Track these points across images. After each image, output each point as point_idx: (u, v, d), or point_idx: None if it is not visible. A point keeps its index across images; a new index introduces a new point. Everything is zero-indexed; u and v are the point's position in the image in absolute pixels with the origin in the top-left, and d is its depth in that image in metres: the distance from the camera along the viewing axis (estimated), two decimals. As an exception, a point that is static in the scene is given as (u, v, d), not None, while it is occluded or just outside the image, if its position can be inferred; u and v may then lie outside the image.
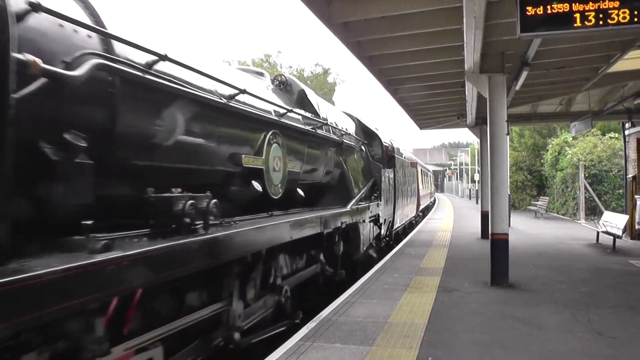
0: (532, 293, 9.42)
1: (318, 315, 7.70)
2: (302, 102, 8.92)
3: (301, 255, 8.25)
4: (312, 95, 9.47)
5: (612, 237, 15.31)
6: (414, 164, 24.53)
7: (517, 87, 12.01)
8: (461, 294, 9.22)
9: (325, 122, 9.45)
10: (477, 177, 43.68)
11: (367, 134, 14.03)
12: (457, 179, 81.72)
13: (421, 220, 27.84)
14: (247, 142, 6.26)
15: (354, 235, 10.71)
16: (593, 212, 25.95)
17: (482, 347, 6.33)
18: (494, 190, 10.43)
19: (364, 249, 11.50)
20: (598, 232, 16.76)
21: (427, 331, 6.89)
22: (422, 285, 9.86)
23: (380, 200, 13.29)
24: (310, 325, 7.20)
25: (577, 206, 27.59)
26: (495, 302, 8.73)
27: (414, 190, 24.38)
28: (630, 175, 19.40)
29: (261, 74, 8.51)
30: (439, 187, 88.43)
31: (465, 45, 9.33)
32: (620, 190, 24.82)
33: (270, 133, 6.67)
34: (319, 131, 8.85)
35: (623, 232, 15.31)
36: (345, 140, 10.61)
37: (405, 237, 19.37)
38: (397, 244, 16.60)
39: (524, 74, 10.87)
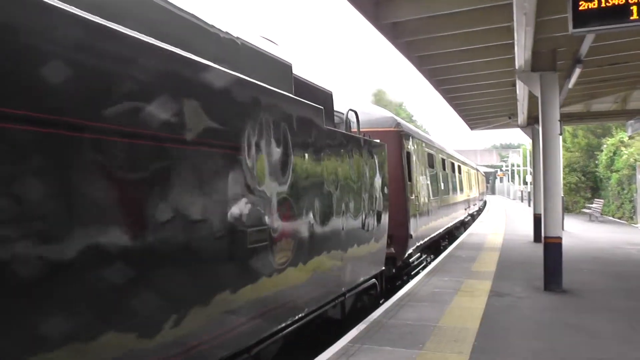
0: (586, 300, 9.13)
1: (368, 318, 7.68)
2: None
3: None
4: None
5: (672, 241, 14.73)
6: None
7: (570, 85, 11.69)
8: (513, 299, 9.02)
9: None
10: (529, 178, 42.66)
11: None
12: (508, 181, 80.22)
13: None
14: None
15: None
16: (652, 216, 25.09)
17: (535, 354, 6.18)
18: (546, 193, 10.15)
19: None
20: (657, 236, 16.18)
21: (478, 336, 6.76)
22: (473, 289, 9.69)
23: None
24: (360, 327, 7.17)
25: (634, 209, 26.66)
26: (548, 308, 8.51)
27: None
28: (691, 176, 18.65)
29: None
30: (490, 189, 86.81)
31: (515, 43, 9.15)
32: (681, 192, 23.88)
33: None
34: None
35: (685, 236, 14.71)
36: None
37: None
38: None
39: (577, 72, 10.57)
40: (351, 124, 8.40)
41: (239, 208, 4.53)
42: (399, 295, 9.22)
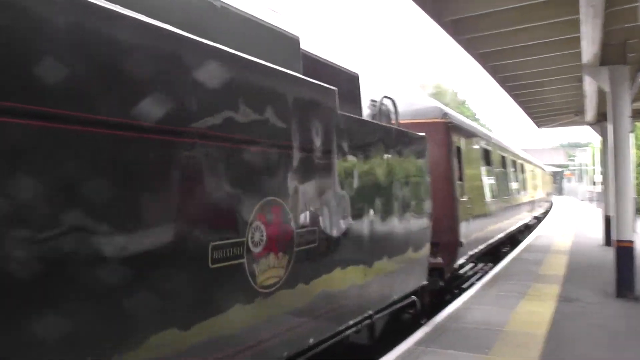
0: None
1: (432, 320, 7.59)
2: None
3: None
4: None
5: None
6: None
7: (642, 79, 11.16)
8: (583, 305, 8.69)
9: None
10: (597, 178, 41.07)
11: None
12: (577, 181, 77.79)
13: None
14: None
15: None
16: None
17: (607, 362, 5.92)
18: (617, 194, 9.76)
19: None
20: None
21: (546, 342, 6.54)
22: (540, 293, 9.42)
23: None
24: (425, 329, 7.09)
25: None
26: (621, 315, 8.16)
27: None
28: None
29: None
30: (558, 189, 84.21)
31: (582, 36, 8.81)
32: None
33: None
34: None
35: None
36: None
37: None
38: None
39: (650, 64, 10.09)
40: (389, 114, 7.24)
41: (203, 215, 3.41)
42: (463, 298, 9.04)
